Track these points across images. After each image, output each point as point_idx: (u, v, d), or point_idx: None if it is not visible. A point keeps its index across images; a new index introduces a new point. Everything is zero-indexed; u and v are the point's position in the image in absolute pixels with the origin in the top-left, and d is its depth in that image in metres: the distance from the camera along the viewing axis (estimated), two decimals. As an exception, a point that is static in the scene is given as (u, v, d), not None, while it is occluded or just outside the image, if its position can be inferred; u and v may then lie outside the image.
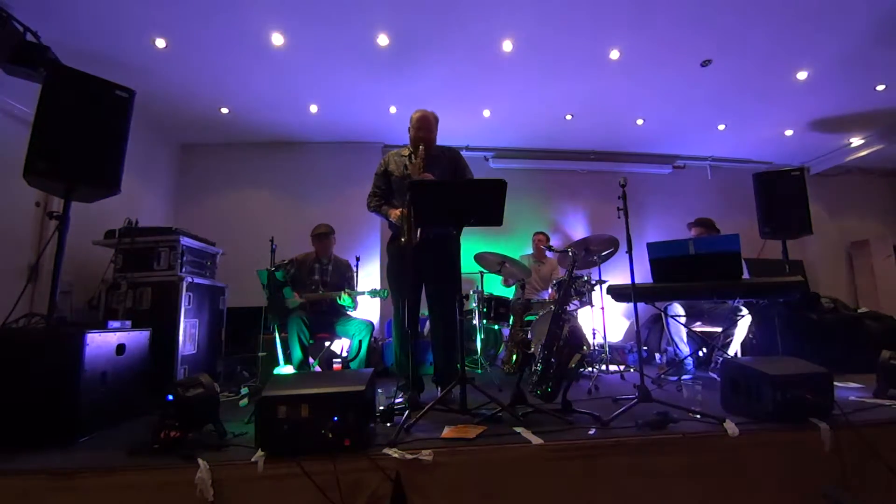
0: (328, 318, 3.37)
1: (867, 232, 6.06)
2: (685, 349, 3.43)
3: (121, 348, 2.22)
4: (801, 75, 3.98)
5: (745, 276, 3.32)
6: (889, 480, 1.71)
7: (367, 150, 5.34)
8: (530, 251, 4.88)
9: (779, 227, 3.49)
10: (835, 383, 1.93)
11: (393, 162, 2.74)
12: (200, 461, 1.51)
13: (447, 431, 1.83)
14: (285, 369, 3.01)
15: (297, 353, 3.10)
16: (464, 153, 2.94)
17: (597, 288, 3.80)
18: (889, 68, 3.88)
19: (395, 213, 2.56)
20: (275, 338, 3.12)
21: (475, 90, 4.27)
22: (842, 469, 1.71)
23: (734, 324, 3.26)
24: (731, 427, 1.76)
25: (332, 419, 1.57)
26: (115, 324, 2.33)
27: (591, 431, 1.83)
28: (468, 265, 3.60)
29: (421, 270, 2.56)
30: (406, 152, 2.73)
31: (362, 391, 1.63)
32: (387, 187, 2.75)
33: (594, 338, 3.88)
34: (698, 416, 1.94)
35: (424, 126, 2.67)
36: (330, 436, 1.56)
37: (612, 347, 4.29)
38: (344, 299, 3.25)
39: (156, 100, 4.10)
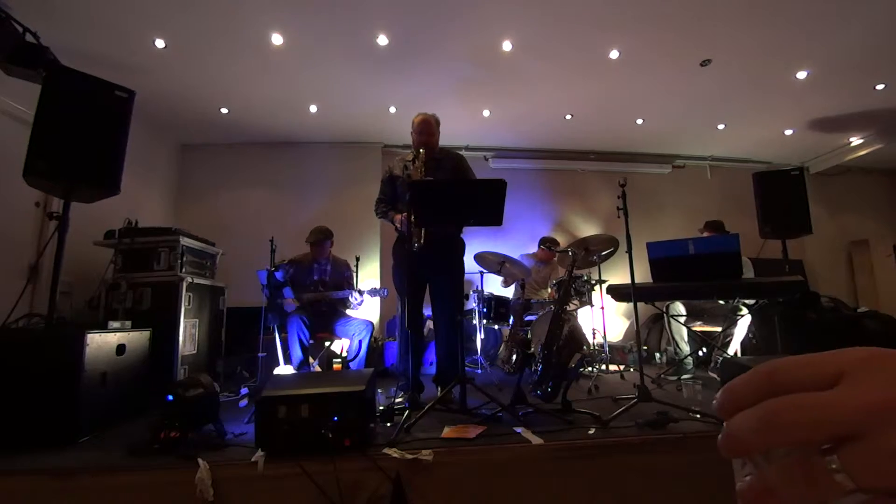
0: (328, 318, 3.37)
1: (867, 232, 6.06)
2: (685, 349, 3.43)
3: (121, 348, 2.22)
4: (801, 75, 3.98)
5: (752, 275, 3.33)
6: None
7: (367, 150, 5.34)
8: (531, 251, 4.88)
9: (779, 227, 3.49)
10: (835, 383, 1.93)
11: (398, 167, 2.77)
12: (200, 461, 1.51)
13: (447, 431, 1.83)
14: (285, 369, 3.01)
15: (297, 353, 3.10)
16: (464, 153, 2.97)
17: (597, 288, 3.80)
18: (889, 68, 3.88)
19: (399, 218, 2.59)
20: (275, 338, 3.12)
21: (475, 90, 4.27)
22: (842, 469, 1.71)
23: (734, 323, 3.26)
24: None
25: (332, 419, 1.58)
26: (115, 324, 2.33)
27: (591, 431, 1.83)
28: (468, 265, 3.60)
29: (425, 272, 2.57)
30: (410, 156, 2.74)
31: (362, 391, 1.63)
32: (392, 193, 2.77)
33: (594, 338, 3.88)
34: (698, 416, 1.94)
35: (426, 130, 2.69)
36: (330, 436, 1.56)
37: (612, 347, 4.30)
38: (354, 297, 3.27)
39: (156, 100, 4.10)
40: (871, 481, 0.18)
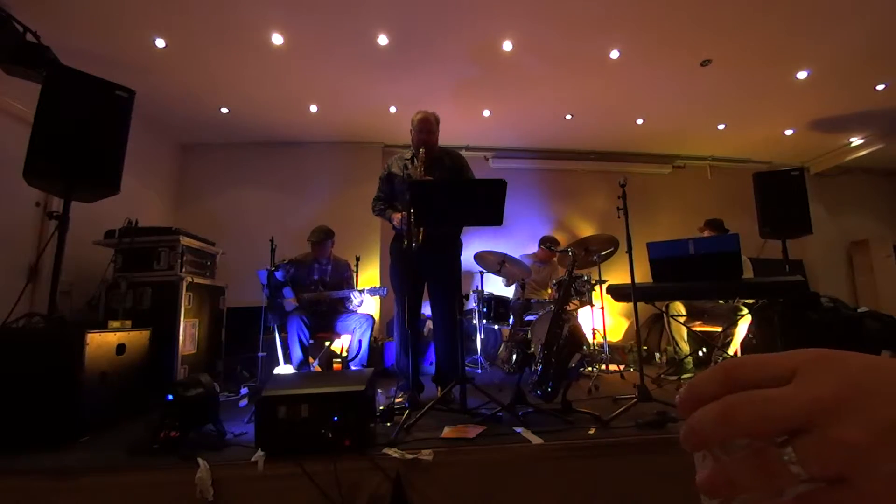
0: (328, 317, 3.37)
1: (867, 232, 6.06)
2: (685, 349, 3.43)
3: (121, 348, 2.22)
4: (801, 75, 3.98)
5: (751, 275, 3.33)
6: (889, 480, 1.71)
7: (367, 150, 5.34)
8: (531, 251, 4.88)
9: (779, 227, 3.49)
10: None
11: (396, 165, 2.76)
12: (200, 461, 1.51)
13: (447, 431, 1.83)
14: (285, 369, 3.01)
15: (297, 353, 3.10)
16: (464, 153, 2.97)
17: (597, 288, 3.80)
18: (889, 68, 3.88)
19: (398, 217, 2.59)
20: (275, 338, 3.12)
21: (475, 90, 4.27)
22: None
23: (734, 323, 3.26)
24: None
25: (332, 419, 1.58)
26: (114, 323, 2.33)
27: (591, 431, 1.83)
28: (468, 265, 3.60)
29: (422, 271, 2.58)
30: (409, 155, 2.74)
31: (362, 391, 1.63)
32: (390, 191, 2.77)
33: (594, 338, 3.88)
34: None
35: (426, 128, 2.68)
36: (330, 436, 1.56)
37: (612, 347, 4.30)
38: (354, 297, 3.29)
39: (156, 100, 4.10)
40: (819, 470, 0.20)
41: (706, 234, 3.78)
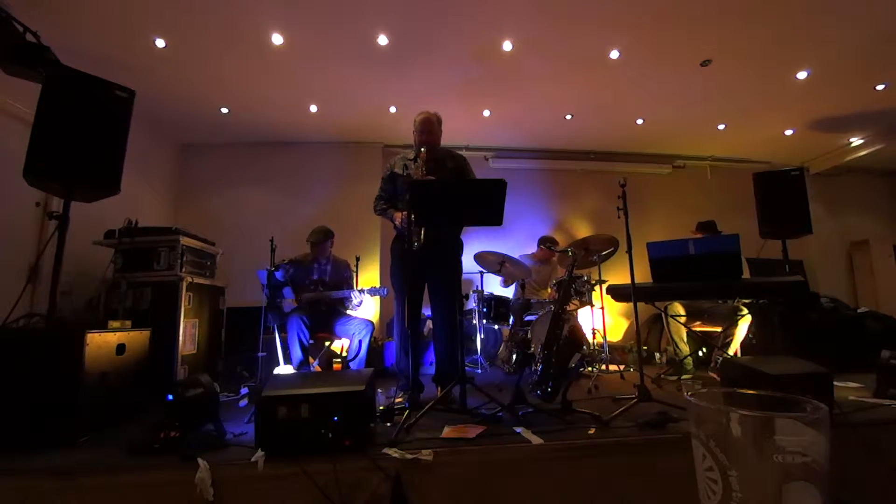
0: (328, 318, 3.37)
1: (867, 232, 6.06)
2: (684, 349, 3.43)
3: (121, 348, 2.22)
4: (801, 75, 3.98)
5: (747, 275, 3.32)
6: (889, 480, 1.71)
7: (367, 150, 5.34)
8: (531, 251, 4.88)
9: (779, 227, 3.49)
10: (834, 383, 1.93)
11: (399, 165, 2.77)
12: (200, 461, 1.51)
13: (447, 431, 1.83)
14: (285, 369, 3.01)
15: (297, 353, 3.10)
16: (464, 153, 2.96)
17: (597, 288, 3.80)
18: (889, 68, 3.88)
19: (399, 216, 2.60)
20: (275, 338, 3.12)
21: (475, 90, 4.26)
22: (842, 469, 1.71)
23: (734, 323, 3.26)
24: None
25: (332, 419, 1.58)
26: (114, 323, 2.33)
27: (591, 431, 1.83)
28: (468, 265, 3.60)
29: (423, 271, 2.58)
30: (412, 155, 2.74)
31: (362, 391, 1.63)
32: (393, 190, 2.78)
33: (594, 338, 3.88)
34: (698, 416, 1.94)
35: (427, 129, 2.69)
36: (330, 436, 1.56)
37: (612, 347, 4.30)
38: (354, 296, 3.29)
39: (156, 100, 4.10)
40: None
41: (698, 237, 3.78)
